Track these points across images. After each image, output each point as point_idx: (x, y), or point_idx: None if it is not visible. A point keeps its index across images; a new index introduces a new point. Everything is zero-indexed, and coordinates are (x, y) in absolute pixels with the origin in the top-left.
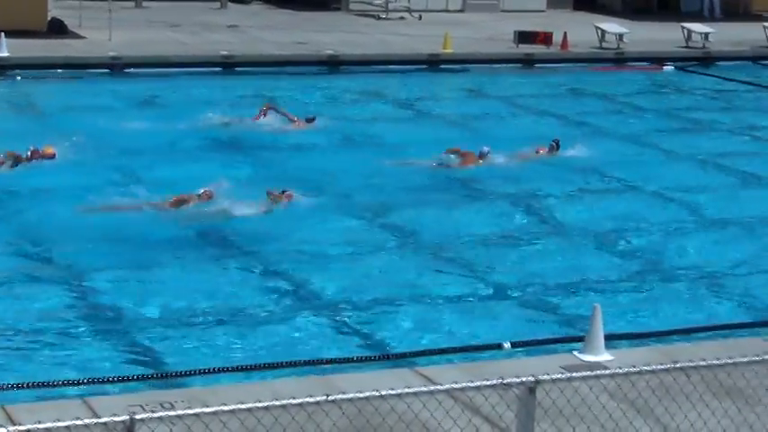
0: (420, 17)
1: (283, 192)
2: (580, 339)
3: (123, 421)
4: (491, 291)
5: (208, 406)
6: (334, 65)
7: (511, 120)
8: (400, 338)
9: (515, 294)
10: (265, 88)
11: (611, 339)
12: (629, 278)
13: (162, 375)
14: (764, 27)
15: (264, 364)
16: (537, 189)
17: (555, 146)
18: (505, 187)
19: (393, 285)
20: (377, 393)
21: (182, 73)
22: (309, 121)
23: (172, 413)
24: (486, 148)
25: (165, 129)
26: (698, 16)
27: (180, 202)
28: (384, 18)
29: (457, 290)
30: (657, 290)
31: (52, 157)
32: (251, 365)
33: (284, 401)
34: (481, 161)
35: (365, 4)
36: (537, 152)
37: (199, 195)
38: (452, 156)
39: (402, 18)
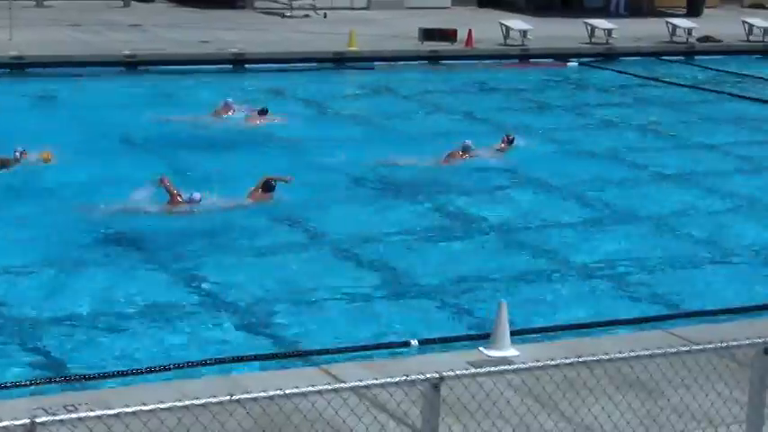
0: (325, 15)
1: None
2: (487, 336)
3: (24, 424)
4: (400, 289)
5: (111, 408)
6: (239, 63)
7: (417, 117)
8: (308, 337)
9: (424, 292)
10: (169, 87)
11: (518, 335)
12: (536, 274)
13: (65, 378)
14: (667, 23)
15: (169, 365)
16: (444, 187)
17: (508, 140)
18: (414, 186)
19: (301, 284)
20: (281, 392)
21: (85, 72)
22: (262, 113)
23: (74, 416)
24: (468, 142)
25: (66, 128)
26: (601, 12)
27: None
28: (289, 16)
29: (366, 288)
30: (564, 285)
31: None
32: (155, 367)
33: (187, 402)
34: (467, 156)
35: (270, 2)
36: (500, 147)
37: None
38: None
39: (307, 16)
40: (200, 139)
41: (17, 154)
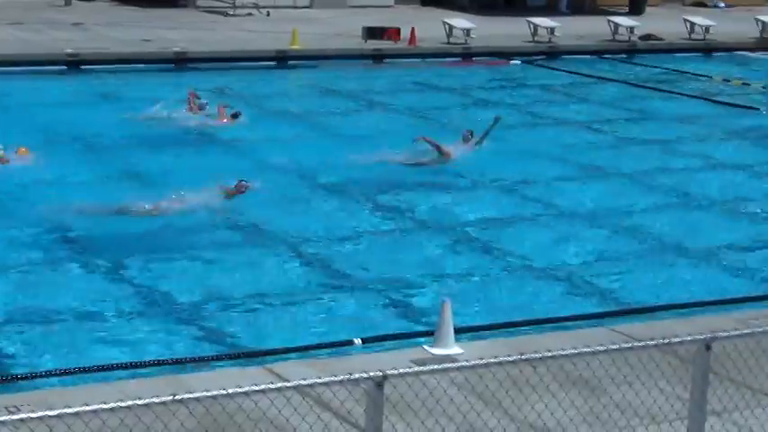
0: (268, 13)
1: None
2: (431, 334)
3: None
4: (344, 287)
5: (53, 409)
6: (181, 62)
7: (360, 115)
8: (253, 337)
9: (368, 291)
10: (111, 86)
11: (462, 333)
12: (480, 272)
13: (7, 378)
14: (609, 21)
15: (112, 365)
16: (387, 185)
17: (469, 135)
18: (359, 184)
19: (245, 283)
20: (224, 392)
21: (26, 72)
22: (234, 116)
23: (15, 417)
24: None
25: (10, 127)
26: (544, 11)
27: None
28: (232, 14)
29: (310, 287)
30: (508, 283)
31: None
32: (99, 366)
33: (129, 402)
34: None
35: (213, 1)
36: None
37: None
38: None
39: (250, 14)
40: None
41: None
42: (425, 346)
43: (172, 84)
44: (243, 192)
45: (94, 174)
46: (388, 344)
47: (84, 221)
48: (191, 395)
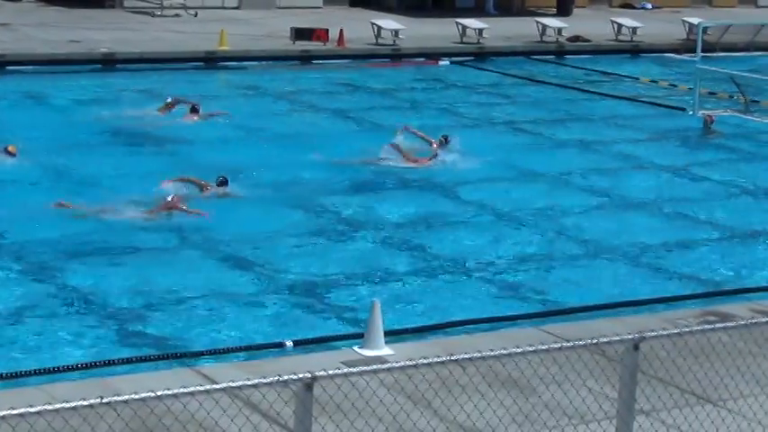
0: (196, 14)
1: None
2: (361, 336)
3: None
4: (275, 290)
5: None
6: (108, 63)
7: (288, 117)
8: (183, 339)
9: (300, 293)
10: (39, 87)
11: (393, 335)
12: (411, 273)
13: None
14: (537, 23)
15: (39, 369)
16: (320, 186)
17: (444, 140)
18: (290, 187)
19: (175, 285)
20: (152, 394)
21: None
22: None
23: None
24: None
25: None
26: (473, 12)
27: None
28: (159, 15)
29: (241, 289)
30: (439, 284)
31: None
32: (25, 371)
33: (57, 405)
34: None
35: (140, 1)
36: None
37: None
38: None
39: (178, 15)
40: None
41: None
42: (355, 348)
43: (100, 85)
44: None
45: (24, 174)
46: (319, 346)
47: (8, 223)
48: (118, 397)
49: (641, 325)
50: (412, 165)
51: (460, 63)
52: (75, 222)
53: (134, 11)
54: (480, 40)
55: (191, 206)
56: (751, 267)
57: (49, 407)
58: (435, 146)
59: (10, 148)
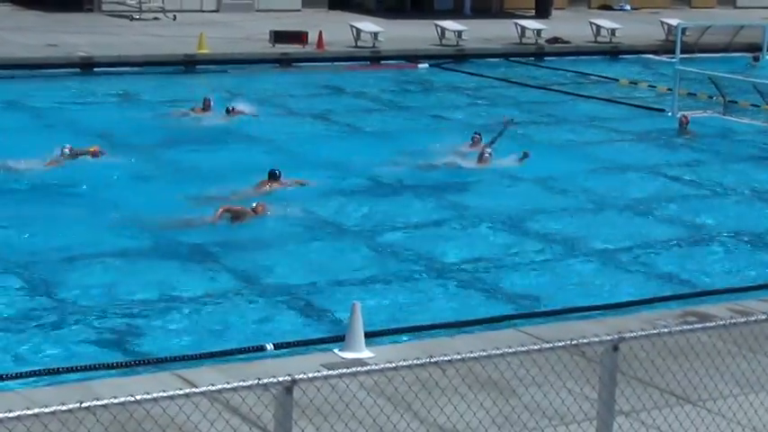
0: (174, 18)
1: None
2: (342, 338)
3: None
4: (256, 292)
5: None
6: (87, 67)
7: (270, 119)
8: (163, 343)
9: (281, 295)
10: (17, 92)
11: (373, 336)
12: (392, 276)
13: None
14: (516, 25)
15: (18, 373)
16: (293, 190)
17: (478, 139)
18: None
19: (157, 288)
20: (131, 398)
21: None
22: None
23: None
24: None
25: None
26: (452, 14)
27: None
28: (138, 19)
29: (221, 292)
30: (419, 286)
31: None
32: (4, 374)
33: (36, 410)
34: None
35: (118, 5)
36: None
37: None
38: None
39: (156, 19)
40: None
41: (65, 151)
42: (336, 350)
43: (78, 89)
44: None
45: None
46: (300, 349)
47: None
48: (98, 402)
49: (621, 326)
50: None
51: (439, 65)
52: (57, 226)
53: (112, 14)
54: (459, 43)
55: None
56: (730, 267)
57: (28, 411)
58: (471, 147)
59: (93, 150)
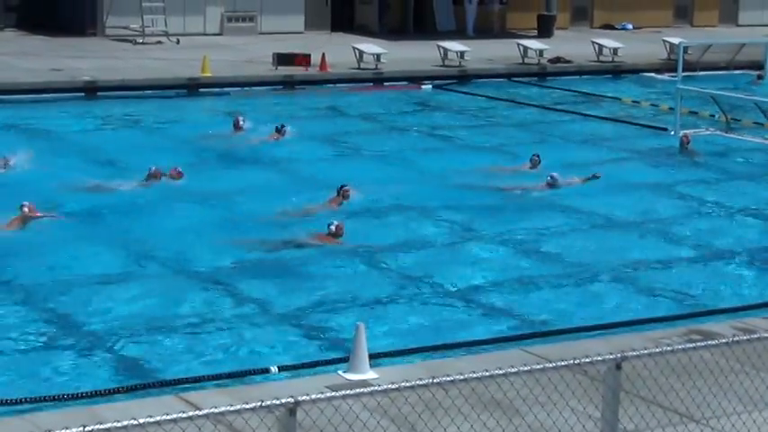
0: (178, 41)
1: None
2: (346, 359)
3: None
4: (261, 315)
5: None
6: (91, 91)
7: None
8: (169, 365)
9: (285, 318)
10: (21, 117)
11: (377, 358)
12: (396, 297)
13: None
14: (518, 45)
15: (23, 399)
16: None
17: (537, 160)
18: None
19: (161, 312)
20: (135, 422)
21: None
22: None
23: None
24: (555, 175)
25: None
26: (454, 35)
27: None
28: (141, 43)
29: (227, 315)
30: (423, 307)
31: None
32: (11, 399)
33: None
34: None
35: (122, 29)
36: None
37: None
38: None
39: (160, 42)
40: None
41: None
42: (340, 372)
43: (83, 113)
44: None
45: None
46: (304, 371)
47: None
48: (101, 426)
49: (624, 345)
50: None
51: (442, 87)
52: (53, 247)
53: (116, 39)
54: (462, 63)
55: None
56: (733, 285)
57: None
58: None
59: (173, 173)
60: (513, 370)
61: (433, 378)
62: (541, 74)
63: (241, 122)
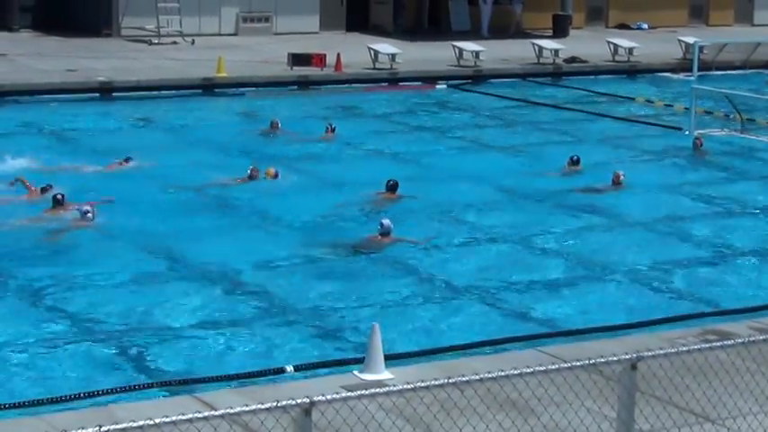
0: (193, 41)
1: None
2: (362, 360)
3: None
4: (277, 315)
5: None
6: (106, 91)
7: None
8: (185, 366)
9: (301, 317)
10: (38, 117)
11: (393, 359)
12: (412, 296)
13: None
14: (533, 44)
15: (40, 399)
16: (313, 212)
17: (575, 161)
18: (283, 211)
19: (176, 312)
20: (150, 422)
21: None
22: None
23: None
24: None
25: None
26: (469, 35)
27: None
28: (157, 43)
29: (242, 315)
30: (438, 307)
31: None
32: (27, 401)
33: None
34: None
35: (137, 30)
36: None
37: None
38: None
39: (175, 43)
40: None
41: (249, 171)
42: (355, 372)
43: (98, 113)
44: None
45: None
46: (320, 371)
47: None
48: (117, 426)
49: (640, 345)
50: None
51: (457, 86)
52: (71, 244)
53: (131, 39)
54: (477, 63)
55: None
56: (749, 285)
57: None
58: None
59: (270, 171)
60: (528, 370)
61: (449, 378)
62: (556, 74)
63: (278, 123)
